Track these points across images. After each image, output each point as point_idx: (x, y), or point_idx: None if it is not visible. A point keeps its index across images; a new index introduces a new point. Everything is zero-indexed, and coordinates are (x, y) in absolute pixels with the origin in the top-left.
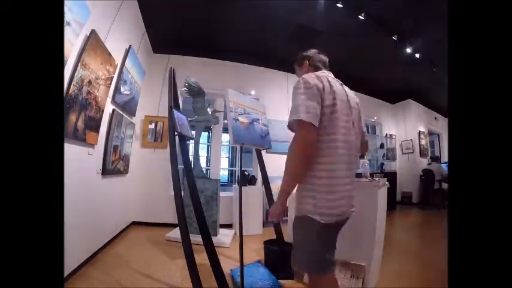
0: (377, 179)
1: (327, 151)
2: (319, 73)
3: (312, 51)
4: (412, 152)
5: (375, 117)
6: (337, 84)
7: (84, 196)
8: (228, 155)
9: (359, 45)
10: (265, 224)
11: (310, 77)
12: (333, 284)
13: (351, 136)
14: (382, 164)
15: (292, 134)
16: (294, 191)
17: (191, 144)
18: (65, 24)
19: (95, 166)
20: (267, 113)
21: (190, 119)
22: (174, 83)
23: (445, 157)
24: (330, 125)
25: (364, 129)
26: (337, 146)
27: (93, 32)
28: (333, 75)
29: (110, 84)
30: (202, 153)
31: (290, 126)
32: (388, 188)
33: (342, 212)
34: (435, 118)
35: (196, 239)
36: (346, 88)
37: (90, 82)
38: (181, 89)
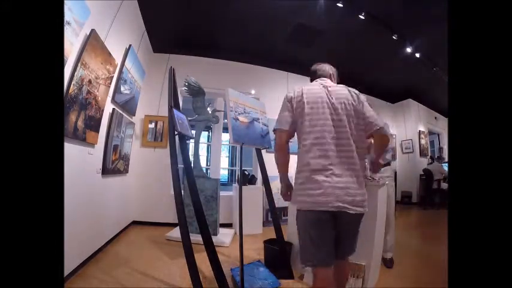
0: (377, 178)
1: (303, 148)
2: (306, 84)
3: (313, 67)
4: (412, 152)
5: None
6: (314, 89)
7: (84, 196)
8: (228, 155)
9: (359, 45)
10: (265, 223)
11: (289, 91)
12: (325, 278)
13: (330, 134)
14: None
15: None
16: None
17: (191, 144)
18: (65, 23)
19: (95, 166)
20: (267, 113)
21: (190, 118)
22: (174, 82)
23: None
24: (303, 125)
25: (372, 123)
26: (312, 143)
27: (93, 31)
28: (326, 81)
29: (110, 83)
30: (202, 152)
31: (274, 132)
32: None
33: (320, 202)
34: (435, 118)
35: (196, 238)
36: (340, 89)
37: (90, 81)
38: (181, 89)
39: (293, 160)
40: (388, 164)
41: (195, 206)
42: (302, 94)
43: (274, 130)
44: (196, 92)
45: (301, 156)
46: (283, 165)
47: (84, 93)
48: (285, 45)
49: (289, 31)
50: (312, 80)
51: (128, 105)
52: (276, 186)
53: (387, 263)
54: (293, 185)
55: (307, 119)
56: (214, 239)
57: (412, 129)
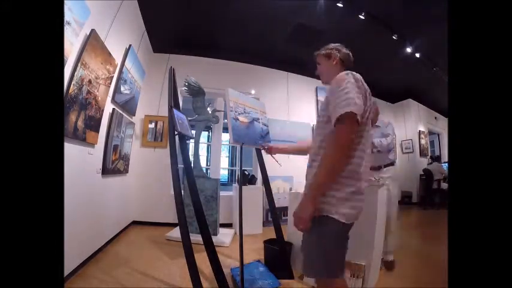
0: (376, 178)
1: (358, 153)
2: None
3: (341, 46)
4: (412, 152)
5: None
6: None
7: (84, 196)
8: (228, 155)
9: (359, 45)
10: (265, 223)
11: (360, 76)
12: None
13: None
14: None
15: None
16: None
17: (191, 144)
18: (65, 23)
19: (95, 166)
20: (267, 113)
21: (190, 118)
22: (174, 82)
23: (445, 157)
24: (364, 129)
25: None
26: (364, 150)
27: (93, 31)
28: None
29: (110, 83)
30: (202, 152)
31: (338, 120)
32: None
33: (359, 213)
34: (435, 118)
35: (196, 238)
36: None
37: (90, 81)
38: (181, 89)
39: (294, 160)
40: (392, 164)
41: (195, 206)
42: (369, 93)
43: (341, 116)
44: (196, 92)
45: (353, 161)
46: (337, 174)
47: (84, 93)
48: (285, 45)
49: (289, 31)
50: (344, 68)
51: (128, 105)
52: (275, 186)
53: (387, 265)
54: (334, 193)
55: (369, 123)
56: (214, 239)
57: (412, 129)
